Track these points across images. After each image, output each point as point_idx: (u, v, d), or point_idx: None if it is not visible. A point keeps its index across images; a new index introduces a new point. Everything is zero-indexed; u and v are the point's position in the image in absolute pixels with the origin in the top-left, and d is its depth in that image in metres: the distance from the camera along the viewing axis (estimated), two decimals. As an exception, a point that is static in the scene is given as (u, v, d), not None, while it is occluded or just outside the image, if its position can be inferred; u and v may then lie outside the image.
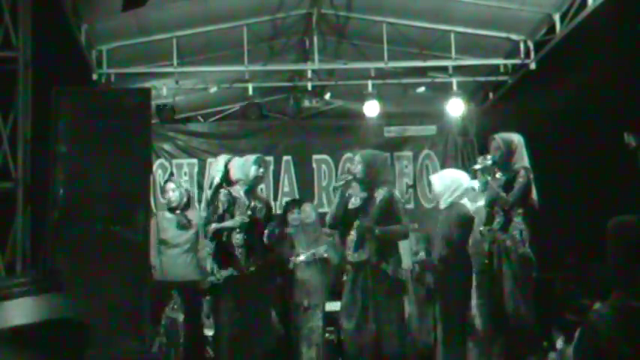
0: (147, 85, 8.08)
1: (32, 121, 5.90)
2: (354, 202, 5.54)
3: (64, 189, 5.42)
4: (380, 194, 5.43)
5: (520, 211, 5.28)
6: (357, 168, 5.52)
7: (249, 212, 5.69)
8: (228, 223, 5.68)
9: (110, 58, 8.32)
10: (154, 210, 8.48)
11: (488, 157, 5.56)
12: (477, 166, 5.68)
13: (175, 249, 6.20)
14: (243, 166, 5.81)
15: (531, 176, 5.36)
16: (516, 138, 5.50)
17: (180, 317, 6.20)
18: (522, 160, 5.41)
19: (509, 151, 5.43)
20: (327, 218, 5.74)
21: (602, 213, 3.79)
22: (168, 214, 6.37)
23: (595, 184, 7.70)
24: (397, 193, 5.70)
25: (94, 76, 8.25)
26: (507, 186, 5.33)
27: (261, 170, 5.87)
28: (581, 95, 7.77)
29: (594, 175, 7.68)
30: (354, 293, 5.36)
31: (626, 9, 6.81)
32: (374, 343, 5.26)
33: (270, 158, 9.52)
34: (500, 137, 5.53)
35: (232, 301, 5.54)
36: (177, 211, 6.36)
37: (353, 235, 5.44)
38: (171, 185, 6.51)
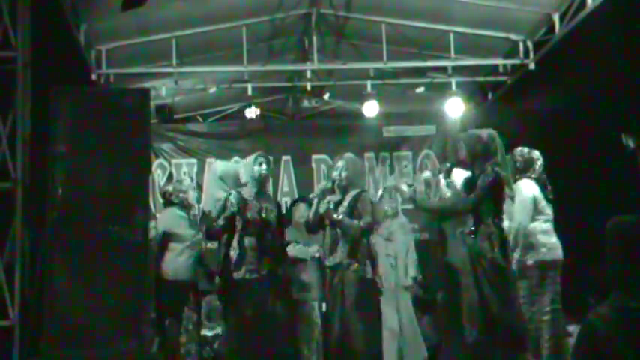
0: (146, 85, 8.09)
1: (31, 121, 5.89)
2: (326, 206, 5.63)
3: (63, 189, 5.42)
4: (350, 195, 5.49)
5: (491, 212, 4.96)
6: (343, 174, 5.57)
7: (262, 214, 5.66)
8: None
9: (109, 58, 8.31)
10: (153, 209, 8.49)
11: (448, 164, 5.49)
12: (428, 173, 5.61)
13: (190, 248, 6.22)
14: (247, 169, 5.80)
15: (503, 173, 5.02)
16: (485, 134, 5.19)
17: (195, 316, 6.24)
18: (493, 157, 5.06)
19: (475, 148, 5.14)
20: (304, 223, 5.85)
21: (602, 213, 3.79)
22: (180, 212, 6.40)
23: (594, 184, 7.70)
24: (367, 194, 5.76)
25: (94, 76, 8.24)
26: (475, 186, 5.02)
27: (264, 168, 5.84)
28: (581, 95, 7.77)
29: (594, 175, 7.67)
30: (330, 296, 5.44)
31: (626, 9, 6.81)
32: (338, 343, 5.31)
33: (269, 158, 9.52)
34: (466, 135, 5.41)
35: (244, 304, 5.47)
36: (191, 212, 6.43)
37: (327, 238, 5.53)
38: (192, 184, 6.59)
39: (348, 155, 5.85)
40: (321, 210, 5.57)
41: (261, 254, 5.58)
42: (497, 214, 5.01)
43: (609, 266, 3.18)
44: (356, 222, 5.47)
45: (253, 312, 5.42)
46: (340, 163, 5.68)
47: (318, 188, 5.98)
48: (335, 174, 5.75)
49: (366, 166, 9.83)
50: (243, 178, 5.81)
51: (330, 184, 5.76)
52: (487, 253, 4.88)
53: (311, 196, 5.97)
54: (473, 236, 4.97)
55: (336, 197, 5.71)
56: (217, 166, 6.28)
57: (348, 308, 5.34)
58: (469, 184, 5.09)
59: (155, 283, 6.37)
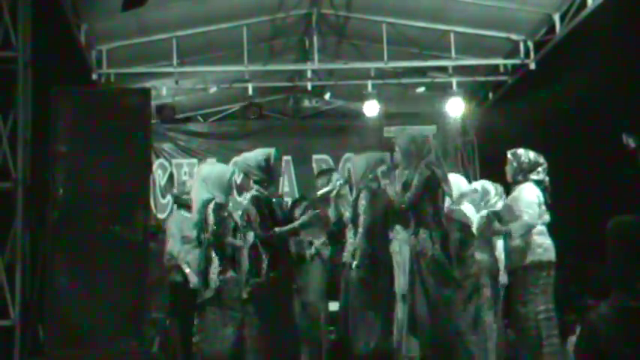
0: (147, 85, 8.09)
1: (32, 121, 5.90)
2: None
3: (64, 189, 5.42)
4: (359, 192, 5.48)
5: (430, 210, 4.92)
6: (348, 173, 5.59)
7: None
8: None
9: (110, 58, 8.32)
10: (153, 209, 8.49)
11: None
12: (384, 167, 5.57)
13: (198, 249, 6.22)
14: (261, 163, 5.66)
15: (438, 171, 4.96)
16: (418, 134, 5.24)
17: None
18: (427, 156, 5.02)
19: (408, 148, 5.11)
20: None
21: (602, 213, 3.80)
22: (186, 214, 6.41)
23: (595, 184, 7.71)
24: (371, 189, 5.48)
25: (94, 76, 8.26)
26: (410, 186, 4.99)
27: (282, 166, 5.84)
28: (581, 95, 7.79)
29: (594, 175, 7.69)
30: (341, 296, 5.43)
31: (626, 9, 6.82)
32: (344, 344, 5.30)
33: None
34: (401, 134, 5.41)
35: (266, 307, 5.33)
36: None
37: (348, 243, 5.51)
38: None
39: (351, 157, 5.85)
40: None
41: (276, 255, 5.40)
42: (437, 213, 4.98)
43: (610, 266, 3.19)
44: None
45: (274, 315, 5.33)
46: (349, 165, 5.71)
47: (332, 185, 5.94)
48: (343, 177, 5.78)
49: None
50: (258, 175, 5.64)
51: (342, 181, 5.74)
52: (428, 251, 4.87)
53: (319, 193, 5.91)
54: (414, 236, 4.98)
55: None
56: (201, 169, 6.25)
57: (353, 309, 5.31)
58: (407, 184, 5.06)
59: (165, 286, 6.41)
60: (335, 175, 6.33)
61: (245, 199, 5.94)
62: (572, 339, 6.13)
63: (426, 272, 4.90)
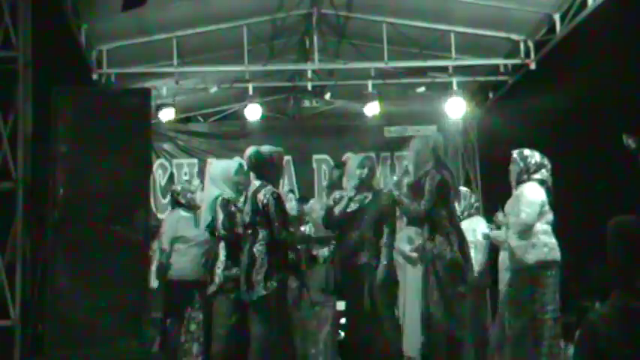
0: (147, 85, 8.09)
1: (32, 121, 5.91)
2: (350, 206, 5.62)
3: (64, 189, 5.43)
4: (378, 194, 5.49)
5: (444, 213, 5.02)
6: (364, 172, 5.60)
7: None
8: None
9: (110, 58, 8.32)
10: (154, 209, 8.50)
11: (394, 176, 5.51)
12: (395, 178, 5.59)
13: (195, 248, 6.21)
14: (268, 160, 5.62)
15: (447, 175, 5.08)
16: (431, 139, 5.34)
17: (200, 316, 6.21)
18: (431, 161, 5.15)
19: (418, 153, 5.24)
20: (323, 220, 5.85)
21: (602, 213, 3.80)
22: (185, 213, 6.40)
23: (595, 184, 7.72)
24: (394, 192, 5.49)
25: (94, 76, 8.24)
26: (419, 190, 5.06)
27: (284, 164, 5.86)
28: (581, 95, 7.80)
29: (594, 175, 7.69)
30: (355, 296, 5.44)
31: (626, 9, 6.83)
32: (363, 344, 5.33)
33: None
34: (414, 139, 5.48)
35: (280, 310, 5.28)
36: (198, 211, 6.40)
37: (350, 239, 5.52)
38: (200, 185, 6.58)
39: (362, 156, 5.87)
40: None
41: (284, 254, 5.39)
42: (451, 215, 5.06)
43: (610, 266, 3.18)
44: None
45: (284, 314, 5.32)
46: (367, 164, 5.74)
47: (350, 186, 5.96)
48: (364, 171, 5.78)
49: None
50: (269, 170, 5.59)
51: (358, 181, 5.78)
52: (447, 254, 4.93)
53: (337, 196, 5.92)
54: (430, 240, 5.02)
55: (348, 193, 5.71)
56: (209, 168, 6.28)
57: (374, 309, 5.33)
58: (413, 188, 5.13)
59: (161, 284, 6.40)
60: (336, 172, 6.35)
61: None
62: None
63: (443, 273, 4.95)
